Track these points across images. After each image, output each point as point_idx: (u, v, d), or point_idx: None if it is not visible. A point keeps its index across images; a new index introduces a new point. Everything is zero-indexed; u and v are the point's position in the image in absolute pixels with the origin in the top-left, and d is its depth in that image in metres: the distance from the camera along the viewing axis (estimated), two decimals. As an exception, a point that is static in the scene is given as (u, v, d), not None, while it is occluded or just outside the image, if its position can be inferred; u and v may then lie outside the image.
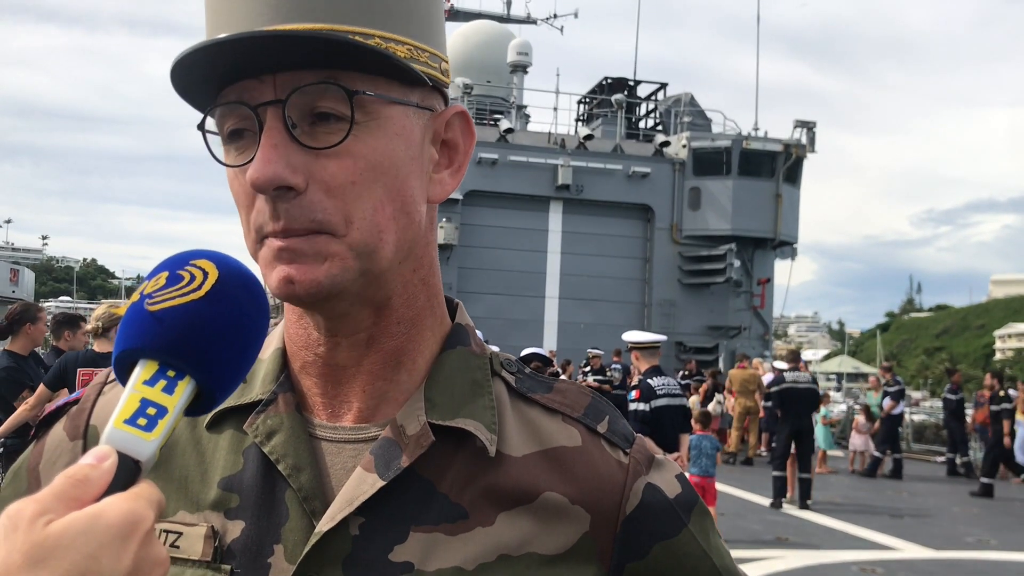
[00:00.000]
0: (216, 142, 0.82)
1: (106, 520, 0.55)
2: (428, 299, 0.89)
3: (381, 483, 0.80)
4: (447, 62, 0.89)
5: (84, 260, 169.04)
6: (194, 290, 0.66)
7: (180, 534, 0.82)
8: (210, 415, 0.87)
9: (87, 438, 0.90)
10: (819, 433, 16.49)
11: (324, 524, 0.79)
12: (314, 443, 0.84)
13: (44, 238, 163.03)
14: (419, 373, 0.88)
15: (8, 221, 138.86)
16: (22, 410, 5.73)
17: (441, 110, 0.88)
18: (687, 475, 7.28)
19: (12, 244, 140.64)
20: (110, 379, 0.95)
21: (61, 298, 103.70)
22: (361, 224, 0.79)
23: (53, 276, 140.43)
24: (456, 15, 31.81)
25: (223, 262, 0.69)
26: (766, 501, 12.18)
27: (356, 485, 0.80)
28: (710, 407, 14.08)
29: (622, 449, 0.90)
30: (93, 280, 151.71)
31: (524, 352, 8.51)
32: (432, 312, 0.90)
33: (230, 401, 0.85)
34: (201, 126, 0.81)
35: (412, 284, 0.87)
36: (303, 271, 0.77)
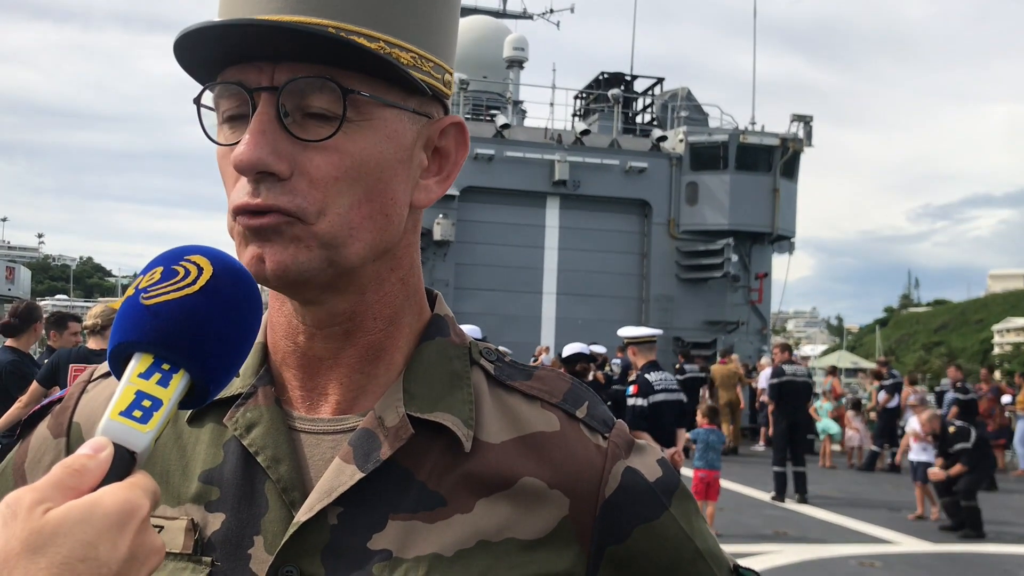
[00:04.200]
0: (209, 118, 0.83)
1: (103, 508, 0.56)
2: (407, 297, 0.90)
3: (360, 475, 0.81)
4: (451, 74, 0.90)
5: (80, 258, 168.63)
6: (188, 285, 0.67)
7: (161, 528, 0.84)
8: (190, 410, 0.88)
9: (70, 435, 0.91)
10: (829, 426, 16.60)
11: (302, 515, 0.80)
12: (293, 435, 0.85)
13: (40, 236, 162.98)
14: (397, 366, 0.89)
15: (3, 219, 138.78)
16: (16, 408, 5.76)
17: (439, 118, 0.89)
18: (693, 469, 7.22)
19: (8, 242, 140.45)
20: (93, 377, 0.96)
21: (58, 296, 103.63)
22: (333, 218, 0.80)
23: (50, 274, 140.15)
24: (452, 11, 31.63)
25: (217, 258, 0.70)
26: (765, 496, 12.21)
27: (335, 476, 0.81)
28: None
29: (601, 433, 0.90)
30: (90, 278, 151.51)
31: (567, 352, 8.50)
32: (411, 309, 0.91)
33: None
34: (197, 100, 0.82)
35: (389, 283, 0.88)
36: (273, 252, 0.78)
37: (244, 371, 0.89)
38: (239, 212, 0.79)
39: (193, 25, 0.77)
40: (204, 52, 0.79)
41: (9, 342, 6.53)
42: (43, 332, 6.69)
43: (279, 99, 0.78)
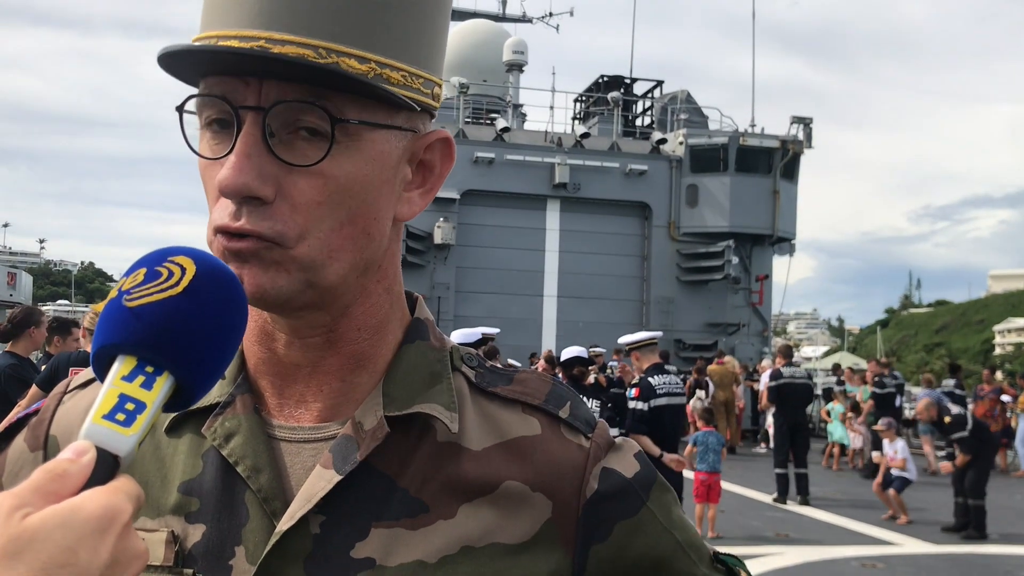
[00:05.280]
0: (192, 122, 0.83)
1: (84, 513, 0.55)
2: (392, 305, 0.90)
3: (338, 478, 0.80)
4: (440, 85, 0.89)
5: (82, 263, 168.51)
6: (172, 286, 0.66)
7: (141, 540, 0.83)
8: (168, 420, 0.87)
9: (47, 448, 0.91)
10: (835, 429, 16.56)
11: (284, 523, 0.79)
12: (273, 444, 0.85)
13: (41, 241, 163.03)
14: (379, 372, 0.88)
15: (5, 225, 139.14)
16: (15, 413, 5.75)
17: (425, 132, 0.88)
18: (694, 472, 7.25)
19: (9, 248, 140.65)
20: (69, 388, 0.95)
21: (59, 302, 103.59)
22: (313, 242, 0.79)
23: (51, 280, 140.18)
24: (452, 15, 31.72)
25: (201, 259, 0.69)
26: (767, 497, 12.20)
27: (314, 482, 0.81)
28: (692, 402, 14.10)
29: (583, 434, 0.90)
30: (91, 283, 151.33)
31: (565, 355, 8.49)
32: (396, 316, 0.91)
33: None
34: (180, 108, 0.82)
35: (375, 294, 0.88)
36: (250, 275, 0.78)
37: (221, 380, 0.87)
38: (219, 231, 0.79)
39: (175, 47, 0.77)
40: (187, 66, 0.80)
41: (9, 347, 6.55)
42: (44, 337, 6.69)
43: (265, 119, 0.77)
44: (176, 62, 0.79)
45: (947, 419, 10.71)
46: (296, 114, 0.77)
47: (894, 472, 11.07)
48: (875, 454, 11.74)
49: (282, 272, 0.79)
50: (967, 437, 10.50)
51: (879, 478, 11.18)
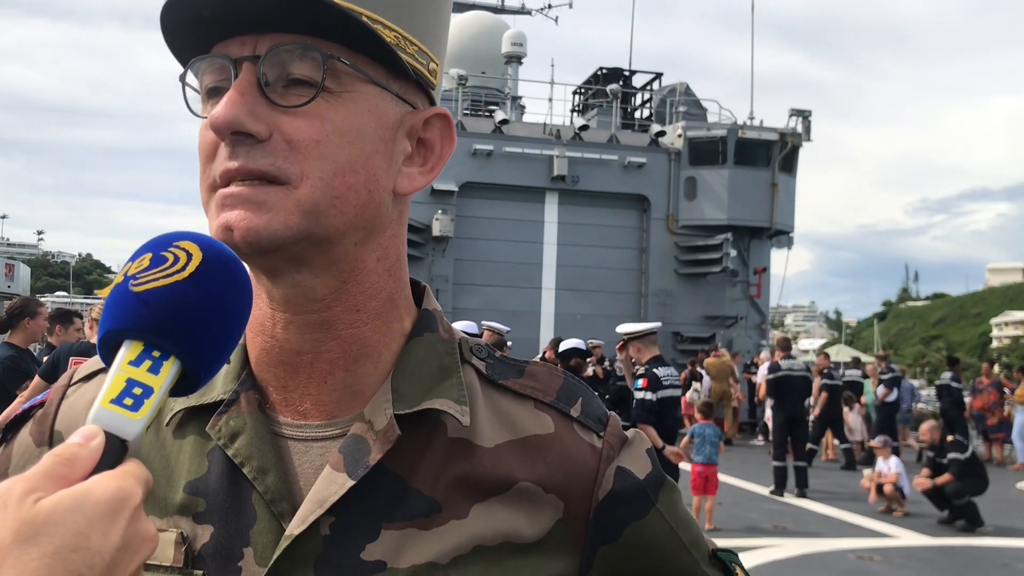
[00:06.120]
0: (194, 99, 0.83)
1: (95, 497, 0.55)
2: (396, 291, 0.88)
3: (351, 483, 0.79)
4: (437, 64, 0.88)
5: (80, 255, 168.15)
6: (178, 271, 0.66)
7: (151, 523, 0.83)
8: (172, 416, 0.86)
9: (52, 444, 0.90)
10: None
11: (295, 527, 0.78)
12: (279, 443, 0.83)
13: (39, 233, 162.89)
14: (386, 365, 0.86)
15: (3, 216, 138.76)
16: (17, 403, 5.75)
17: (423, 108, 0.88)
18: (691, 464, 7.24)
19: (7, 239, 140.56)
20: (73, 380, 0.94)
21: (57, 293, 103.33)
22: (317, 183, 0.78)
23: (49, 271, 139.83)
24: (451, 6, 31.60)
25: (207, 244, 0.69)
26: (764, 490, 12.22)
27: (326, 485, 0.80)
28: (688, 395, 14.10)
29: (596, 432, 0.90)
30: (89, 275, 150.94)
31: (563, 347, 8.48)
32: (401, 303, 0.89)
33: (192, 401, 0.85)
34: (182, 77, 0.82)
35: (375, 273, 0.86)
36: (242, 218, 0.77)
37: (225, 376, 0.87)
38: (219, 179, 0.79)
39: None
40: (188, 22, 0.78)
41: (7, 338, 6.54)
42: (42, 328, 6.68)
43: (260, 67, 0.77)
44: (180, 17, 0.78)
45: (950, 438, 10.69)
46: (290, 64, 0.78)
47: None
48: (867, 471, 11.75)
49: (280, 215, 0.77)
50: (961, 461, 10.45)
51: (872, 496, 11.17)
